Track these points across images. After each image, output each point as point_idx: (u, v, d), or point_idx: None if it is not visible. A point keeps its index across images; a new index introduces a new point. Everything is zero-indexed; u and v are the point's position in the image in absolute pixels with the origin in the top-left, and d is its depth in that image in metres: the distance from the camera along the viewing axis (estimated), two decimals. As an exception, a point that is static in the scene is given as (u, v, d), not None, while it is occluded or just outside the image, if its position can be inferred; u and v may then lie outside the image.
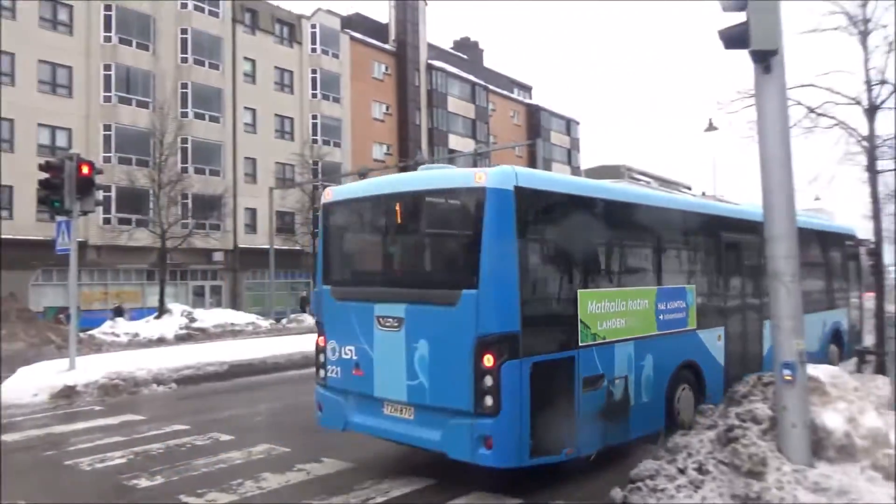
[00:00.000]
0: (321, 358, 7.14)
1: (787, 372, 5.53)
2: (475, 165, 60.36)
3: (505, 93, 62.62)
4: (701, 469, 5.68)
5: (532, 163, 62.52)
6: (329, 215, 7.33)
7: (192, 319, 27.80)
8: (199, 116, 37.38)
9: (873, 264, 10.96)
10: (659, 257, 7.70)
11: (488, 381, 5.60)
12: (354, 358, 6.65)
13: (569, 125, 70.50)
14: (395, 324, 6.24)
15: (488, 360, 5.61)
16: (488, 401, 5.60)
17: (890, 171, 16.24)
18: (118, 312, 29.97)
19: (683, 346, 7.74)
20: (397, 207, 6.64)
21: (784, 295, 5.64)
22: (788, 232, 5.69)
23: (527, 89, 67.89)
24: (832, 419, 5.62)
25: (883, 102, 10.06)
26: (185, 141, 36.05)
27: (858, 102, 10.15)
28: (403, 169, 43.77)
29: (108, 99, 33.85)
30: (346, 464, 7.45)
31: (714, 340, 8.05)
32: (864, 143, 10.17)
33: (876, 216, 10.76)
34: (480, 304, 5.67)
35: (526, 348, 5.71)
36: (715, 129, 25.69)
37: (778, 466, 5.33)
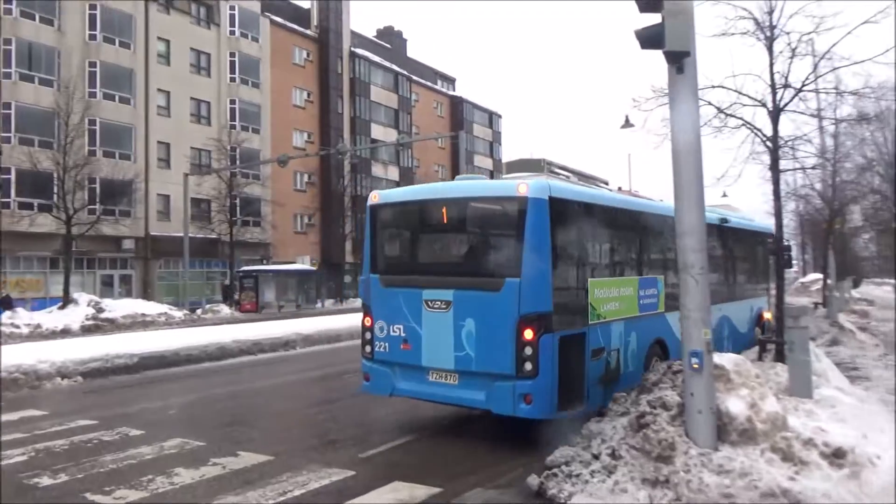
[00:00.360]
0: (367, 336, 8.45)
1: (694, 360, 5.79)
2: (397, 155, 59.85)
3: (428, 84, 62.61)
4: (614, 454, 5.88)
5: (454, 155, 62.97)
6: (376, 215, 8.69)
7: (100, 310, 26.58)
8: (108, 97, 35.59)
9: (776, 258, 11.61)
10: (640, 253, 9.53)
11: (528, 350, 7.09)
12: (403, 335, 8.08)
13: (491, 118, 71.26)
14: (444, 306, 7.73)
15: (528, 334, 7.10)
16: (528, 366, 7.08)
17: (791, 170, 17.25)
18: (5, 303, 27.38)
19: (655, 326, 9.46)
20: (444, 211, 8.17)
21: (693, 287, 5.89)
22: (698, 226, 5.94)
23: (450, 81, 68.12)
24: (735, 405, 5.92)
25: (786, 105, 10.62)
26: (93, 122, 34.27)
27: (764, 104, 10.69)
28: (324, 157, 43.14)
29: (7, 75, 31.76)
30: (263, 457, 7.31)
31: (675, 321, 9.19)
32: (768, 144, 10.72)
33: (777, 213, 11.38)
34: (523, 289, 7.18)
35: (555, 325, 7.23)
36: (631, 125, 26.60)
37: (685, 450, 5.58)
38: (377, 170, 53.71)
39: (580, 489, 5.67)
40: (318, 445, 7.86)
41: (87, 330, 23.45)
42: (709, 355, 5.81)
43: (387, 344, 8.27)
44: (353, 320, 22.67)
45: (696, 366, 5.77)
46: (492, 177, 70.58)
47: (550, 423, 7.39)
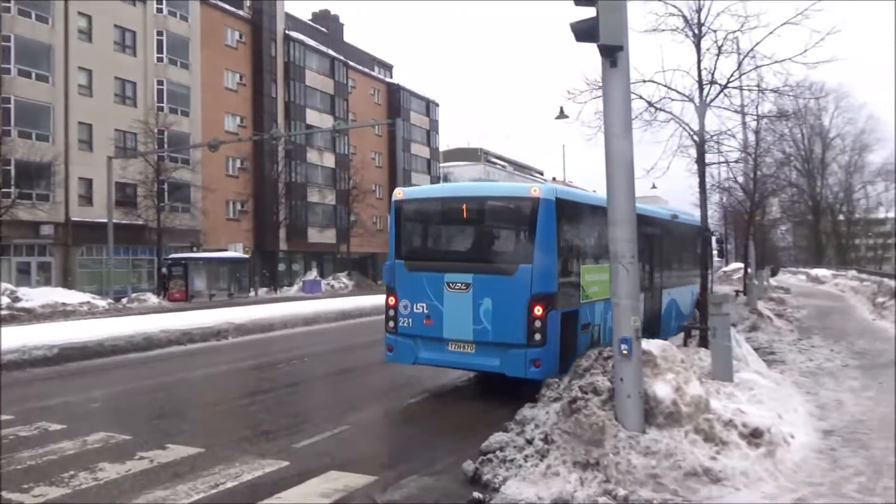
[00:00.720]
0: (391, 313, 10.06)
1: (624, 347, 5.97)
2: (333, 141, 58.95)
3: (365, 70, 61.93)
4: (547, 439, 6.02)
5: (391, 142, 62.61)
6: (400, 209, 10.33)
7: (16, 299, 25.29)
8: (23, 74, 33.71)
9: (702, 248, 12.06)
10: (592, 241, 11.04)
11: (538, 323, 8.79)
12: (426, 312, 9.71)
13: (428, 106, 71.12)
14: (464, 287, 9.38)
15: (538, 310, 8.82)
16: (538, 336, 8.80)
17: (716, 164, 17.93)
18: None
19: (594, 314, 11.04)
20: (464, 207, 9.93)
21: (623, 276, 6.07)
22: (629, 216, 6.11)
23: (387, 68, 67.57)
24: (662, 389, 6.15)
25: (712, 101, 11.03)
26: (6, 100, 32.44)
27: (691, 100, 11.08)
28: (257, 142, 42.19)
29: None
30: (193, 449, 7.15)
31: (640, 303, 11.33)
32: (695, 138, 11.12)
33: (703, 205, 11.85)
34: (534, 273, 8.91)
35: (558, 303, 9.00)
36: (566, 116, 27.00)
37: (615, 434, 5.76)
38: (312, 156, 52.87)
39: (514, 473, 5.79)
40: (251, 436, 7.74)
41: (1, 320, 22.29)
42: (637, 342, 6.01)
43: (410, 319, 9.90)
44: (288, 309, 22.36)
45: (625, 352, 5.95)
46: (429, 165, 70.70)
47: (486, 412, 7.70)
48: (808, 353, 13.33)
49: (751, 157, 19.93)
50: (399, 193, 10.51)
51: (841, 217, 66.54)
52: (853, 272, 37.44)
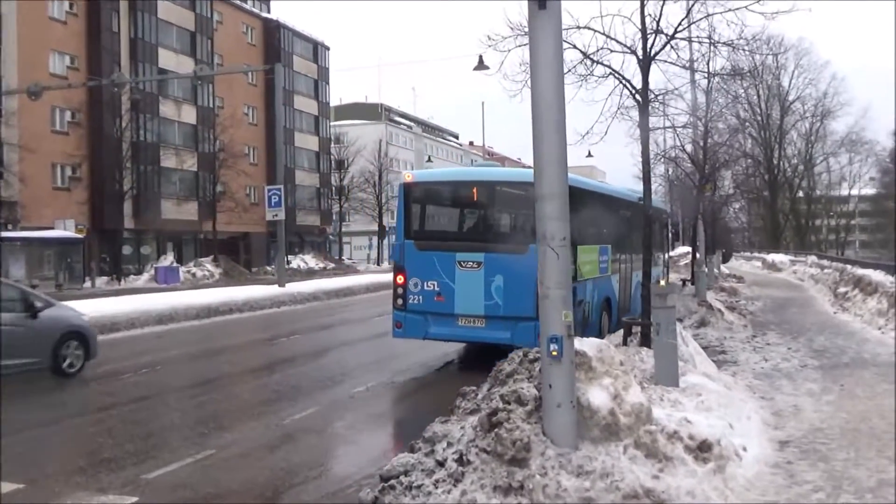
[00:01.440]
0: (400, 291, 13.11)
1: (553, 347, 6.11)
2: (194, 91, 57.02)
3: (236, 2, 60.23)
4: (462, 460, 6.10)
5: (269, 94, 61.22)
6: (410, 192, 13.47)
7: None
8: None
9: (644, 230, 12.47)
10: (600, 226, 15.08)
11: None
12: (437, 289, 12.75)
13: (316, 50, 70.08)
14: (475, 265, 12.45)
15: None
16: None
17: (661, 129, 18.48)
18: None
19: (606, 286, 15.10)
20: (475, 191, 13.21)
21: (553, 261, 6.19)
22: (560, 190, 6.23)
23: (264, 0, 65.94)
24: (597, 396, 6.35)
25: (657, 54, 11.37)
26: None
27: (634, 51, 11.38)
28: (94, 89, 40.25)
29: None
30: (12, 486, 6.84)
31: (616, 282, 15.89)
32: (638, 97, 11.44)
33: (646, 178, 12.22)
34: None
35: None
36: (485, 68, 27.22)
37: (542, 451, 5.91)
38: (167, 109, 51.06)
39: (422, 502, 5.84)
40: (89, 466, 7.48)
41: None
42: (569, 340, 6.16)
43: (421, 297, 12.87)
44: (136, 304, 21.60)
45: (554, 353, 6.09)
46: (317, 124, 69.90)
47: (389, 428, 7.64)
48: (763, 351, 14.11)
49: (700, 121, 20.80)
50: (409, 176, 13.87)
51: (800, 194, 70.41)
52: (813, 258, 39.72)
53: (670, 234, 24.57)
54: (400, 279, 13.22)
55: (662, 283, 18.81)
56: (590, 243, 14.24)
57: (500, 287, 12.41)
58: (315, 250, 65.52)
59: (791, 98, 65.93)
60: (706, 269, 24.27)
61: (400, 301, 13.18)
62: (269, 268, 51.98)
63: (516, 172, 14.33)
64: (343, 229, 74.42)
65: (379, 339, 16.63)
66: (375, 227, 70.03)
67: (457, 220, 14.30)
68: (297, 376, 12.84)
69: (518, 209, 13.19)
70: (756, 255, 59.30)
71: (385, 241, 69.97)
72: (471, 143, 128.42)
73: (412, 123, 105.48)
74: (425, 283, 12.96)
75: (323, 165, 71.63)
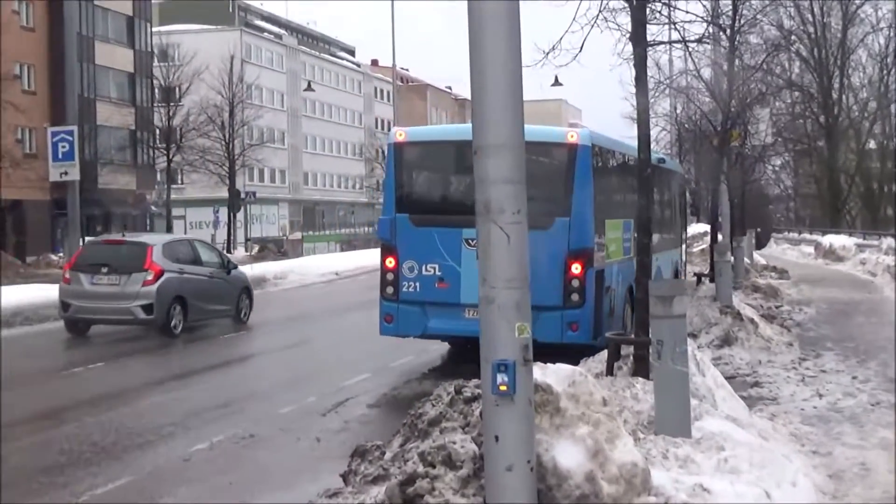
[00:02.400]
0: (390, 277, 15.31)
1: (501, 379, 6.11)
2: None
3: None
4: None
5: (55, 45, 60.08)
6: (401, 153, 15.78)
7: None
8: None
9: (641, 197, 12.58)
10: (623, 196, 17.95)
11: (575, 283, 13.83)
12: (438, 273, 14.86)
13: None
14: None
15: (576, 268, 14.00)
16: (575, 297, 13.85)
17: (664, 44, 18.74)
18: None
19: (629, 271, 16.64)
20: None
21: (502, 245, 6.19)
22: (512, 138, 6.23)
23: None
24: (569, 454, 6.39)
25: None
26: None
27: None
28: None
29: None
30: None
31: (658, 262, 18.94)
32: (630, -6, 11.55)
33: (643, 120, 12.32)
34: (572, 227, 14.19)
35: (595, 261, 14.30)
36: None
37: (484, 539, 5.93)
38: None
39: None
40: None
41: None
42: (526, 368, 6.17)
43: (417, 283, 15.00)
44: None
45: (503, 387, 6.09)
46: (130, 28, 68.60)
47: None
48: (817, 383, 14.43)
49: (724, 32, 21.12)
50: (401, 135, 16.00)
51: (871, 144, 71.63)
52: (891, 241, 40.48)
53: (688, 207, 27.35)
54: (390, 262, 15.46)
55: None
56: (615, 217, 17.37)
57: None
58: (129, 228, 64.38)
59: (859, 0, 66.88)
60: (732, 259, 24.61)
61: (390, 289, 15.44)
62: (54, 256, 50.87)
63: (536, 131, 15.38)
64: (173, 196, 73.24)
65: (231, 366, 16.57)
66: (224, 193, 69.23)
67: (463, 188, 15.90)
68: (101, 427, 12.73)
69: (539, 175, 14.63)
70: (806, 236, 60.17)
71: (239, 214, 69.29)
72: (374, 64, 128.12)
73: (282, 31, 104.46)
74: (423, 267, 15.18)
75: (141, 96, 70.49)
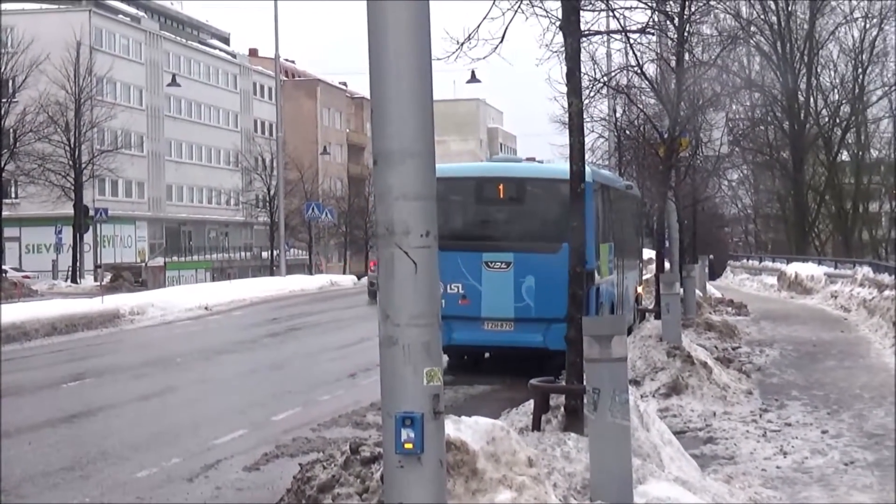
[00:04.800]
0: None
1: (406, 435, 6.12)
2: None
3: None
4: None
5: None
6: None
7: None
8: None
9: (574, 220, 12.69)
10: (613, 224, 26.37)
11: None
12: (461, 292, 21.08)
13: None
14: (504, 266, 21.48)
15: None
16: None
17: (601, 34, 18.91)
18: None
19: (611, 291, 24.88)
20: (501, 187, 22.78)
21: (408, 275, 6.20)
22: (419, 146, 6.26)
23: None
24: (487, 525, 6.43)
25: None
26: None
27: None
28: None
29: None
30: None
31: (624, 281, 28.26)
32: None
33: (575, 126, 12.44)
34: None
35: (594, 279, 21.52)
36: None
37: None
38: None
39: None
40: None
41: None
42: (436, 422, 6.19)
43: (443, 301, 15.88)
44: None
45: (408, 445, 6.11)
46: None
47: None
48: (781, 438, 14.62)
49: (672, 22, 21.41)
50: None
51: (844, 156, 72.76)
52: (866, 269, 41.03)
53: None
54: None
55: (639, 289, 27.57)
56: (605, 241, 23.58)
57: (531, 287, 20.69)
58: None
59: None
60: (681, 292, 24.87)
61: None
62: None
63: (548, 169, 22.86)
64: (5, 213, 72.18)
65: (76, 420, 16.44)
66: (69, 210, 68.45)
67: (483, 217, 23.01)
68: None
69: (549, 206, 21.42)
70: (767, 264, 60.98)
71: (87, 235, 68.51)
72: (252, 54, 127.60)
73: (141, 14, 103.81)
74: (448, 286, 20.05)
75: (-38, 90, 69.42)
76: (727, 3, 24.15)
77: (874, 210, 77.40)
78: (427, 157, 6.28)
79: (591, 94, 22.44)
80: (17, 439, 15.59)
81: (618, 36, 18.78)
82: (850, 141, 71.64)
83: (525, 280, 20.53)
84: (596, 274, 21.58)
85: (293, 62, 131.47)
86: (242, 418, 16.91)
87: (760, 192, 73.53)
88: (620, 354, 9.28)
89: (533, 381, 13.57)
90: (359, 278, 70.48)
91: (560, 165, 21.75)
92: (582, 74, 12.95)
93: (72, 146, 66.98)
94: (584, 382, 9.67)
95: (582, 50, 12.98)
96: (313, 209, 76.61)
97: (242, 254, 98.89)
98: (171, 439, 15.65)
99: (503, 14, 11.91)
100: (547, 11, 12.77)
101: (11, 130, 66.84)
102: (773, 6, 64.11)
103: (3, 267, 67.56)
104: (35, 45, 69.76)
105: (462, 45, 12.11)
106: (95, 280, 66.06)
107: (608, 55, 27.11)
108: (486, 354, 24.31)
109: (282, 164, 73.22)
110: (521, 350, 20.80)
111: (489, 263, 20.94)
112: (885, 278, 35.21)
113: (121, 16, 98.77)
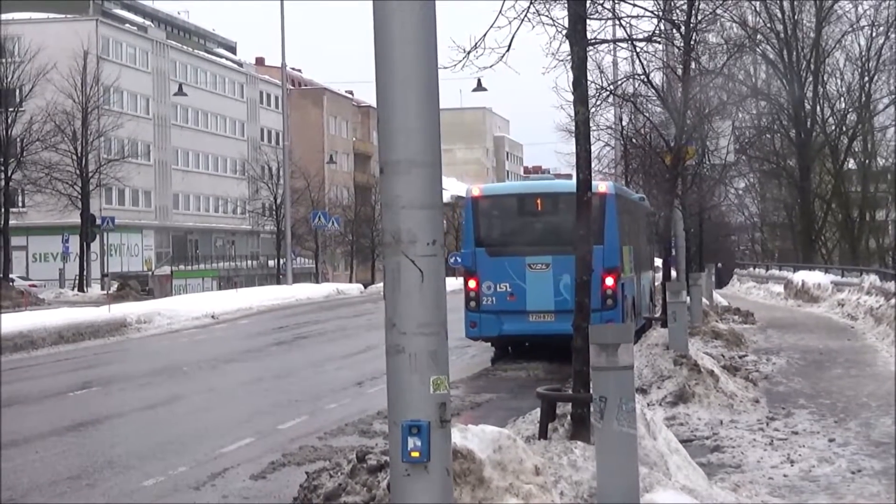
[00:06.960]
0: (472, 294, 27.02)
1: (413, 444, 6.10)
2: None
3: None
4: None
5: None
6: (478, 204, 28.01)
7: None
8: None
9: (580, 230, 12.68)
10: (630, 231, 30.59)
11: (609, 292, 25.79)
12: (509, 290, 26.28)
13: None
14: (544, 267, 26.31)
15: (609, 281, 25.71)
16: (609, 302, 25.80)
17: (608, 42, 18.93)
18: None
19: (632, 284, 30.21)
20: (539, 201, 28.18)
21: (414, 284, 6.19)
22: (426, 155, 6.25)
23: None
24: (494, 534, 6.41)
25: None
26: None
27: None
28: None
29: None
30: None
31: (640, 280, 33.21)
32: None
33: (582, 134, 12.43)
34: (605, 252, 24.55)
35: (620, 275, 27.42)
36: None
37: None
38: None
39: None
40: None
41: None
42: (443, 430, 6.18)
43: (494, 298, 25.96)
44: None
45: (415, 454, 6.09)
46: None
47: None
48: (788, 446, 14.59)
49: (679, 31, 21.40)
50: (477, 191, 27.55)
51: (851, 164, 72.75)
52: (873, 278, 41.01)
53: (652, 240, 37.25)
54: (472, 283, 25.91)
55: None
56: (626, 244, 27.36)
57: (567, 284, 22.61)
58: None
59: (836, -7, 67.68)
60: (688, 300, 24.88)
61: (473, 303, 25.75)
62: None
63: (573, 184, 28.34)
64: (12, 222, 72.24)
65: (83, 429, 16.49)
66: (76, 219, 68.47)
67: (525, 227, 26.98)
68: None
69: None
70: (774, 273, 60.84)
71: (94, 244, 68.51)
72: (259, 63, 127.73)
73: (148, 23, 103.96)
74: (497, 285, 25.32)
75: (-30, 100, 69.46)
76: (733, 13, 24.03)
77: (881, 218, 77.12)
78: (433, 167, 6.28)
79: (598, 102, 22.45)
80: (24, 448, 15.69)
81: (624, 44, 18.80)
82: (856, 149, 71.29)
83: (563, 278, 23.68)
84: (620, 271, 25.73)
85: (300, 71, 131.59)
86: (249, 427, 16.93)
87: (767, 201, 73.41)
88: (627, 363, 9.25)
89: (539, 390, 13.55)
90: (365, 287, 70.56)
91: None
92: (588, 83, 12.92)
93: (79, 155, 67.01)
94: (591, 391, 9.66)
95: (588, 58, 12.97)
96: (320, 218, 76.74)
97: (249, 262, 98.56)
98: (177, 448, 15.69)
99: (510, 23, 11.92)
100: (553, 20, 12.80)
101: (18, 139, 66.93)
102: (779, 14, 63.95)
103: (11, 276, 67.68)
104: (42, 55, 69.92)
105: (468, 53, 12.11)
106: (102, 289, 66.30)
107: (615, 64, 27.22)
108: (527, 344, 27.38)
109: (288, 172, 73.40)
110: (561, 337, 21.73)
111: (532, 265, 25.14)
112: (892, 287, 35.02)
113: (128, 25, 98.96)
